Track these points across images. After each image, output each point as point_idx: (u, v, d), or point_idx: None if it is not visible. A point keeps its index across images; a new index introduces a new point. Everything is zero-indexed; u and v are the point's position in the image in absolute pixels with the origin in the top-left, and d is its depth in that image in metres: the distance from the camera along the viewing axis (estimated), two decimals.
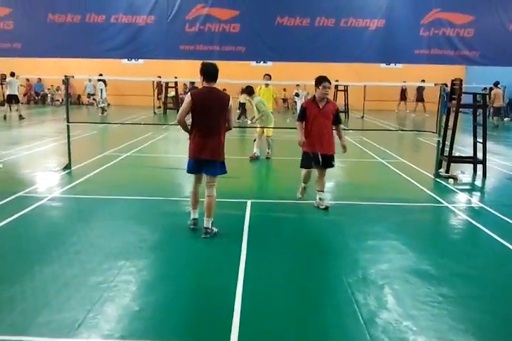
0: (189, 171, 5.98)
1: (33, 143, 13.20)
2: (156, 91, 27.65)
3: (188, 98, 5.60)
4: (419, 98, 27.68)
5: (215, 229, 5.87)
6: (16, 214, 6.45)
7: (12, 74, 20.14)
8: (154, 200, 7.40)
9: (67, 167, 9.56)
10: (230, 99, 5.76)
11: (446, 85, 9.61)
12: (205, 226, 5.82)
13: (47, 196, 7.50)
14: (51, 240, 5.57)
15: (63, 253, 5.17)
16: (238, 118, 20.72)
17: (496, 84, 21.75)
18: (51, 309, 3.93)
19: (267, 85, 12.80)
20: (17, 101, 20.49)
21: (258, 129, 11.78)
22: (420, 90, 27.48)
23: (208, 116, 5.61)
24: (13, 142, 13.57)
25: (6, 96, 20.42)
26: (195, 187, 6.02)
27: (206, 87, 5.68)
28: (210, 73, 5.63)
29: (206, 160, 5.71)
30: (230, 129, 6.05)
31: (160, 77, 23.41)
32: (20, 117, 20.18)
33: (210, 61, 5.88)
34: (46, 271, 4.69)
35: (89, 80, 27.66)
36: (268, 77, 12.79)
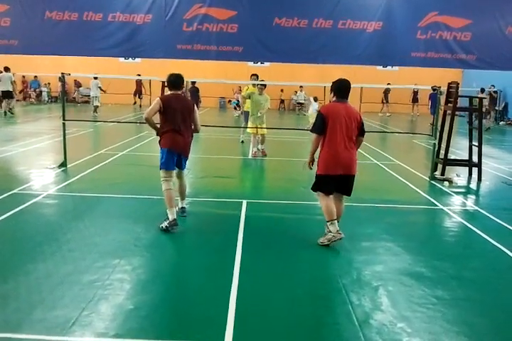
0: (168, 167, 6.16)
1: (29, 141, 13.15)
2: (134, 89, 27.72)
3: (157, 100, 6.09)
4: (386, 100, 29.04)
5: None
6: (10, 212, 6.43)
7: (6, 70, 19.91)
8: (149, 199, 7.38)
9: (63, 165, 9.54)
10: (195, 105, 6.42)
11: (439, 88, 9.63)
12: (183, 206, 6.65)
13: (42, 193, 7.48)
14: (45, 237, 5.54)
15: (57, 250, 5.15)
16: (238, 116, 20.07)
17: (482, 90, 22.43)
18: (45, 307, 3.91)
19: (254, 85, 12.85)
20: (11, 96, 20.34)
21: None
22: (386, 92, 28.70)
23: (177, 117, 6.09)
24: (8, 139, 13.51)
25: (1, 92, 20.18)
26: (170, 184, 6.17)
27: (173, 93, 6.28)
28: (173, 84, 6.27)
29: (182, 154, 6.29)
30: (198, 132, 6.54)
31: (139, 75, 23.40)
32: (10, 112, 20.19)
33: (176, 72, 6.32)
34: (40, 269, 4.67)
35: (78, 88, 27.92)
36: (255, 77, 12.83)
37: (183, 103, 6.25)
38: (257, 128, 11.80)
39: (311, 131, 5.68)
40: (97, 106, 22.06)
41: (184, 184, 6.64)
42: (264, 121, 12.05)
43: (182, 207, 6.65)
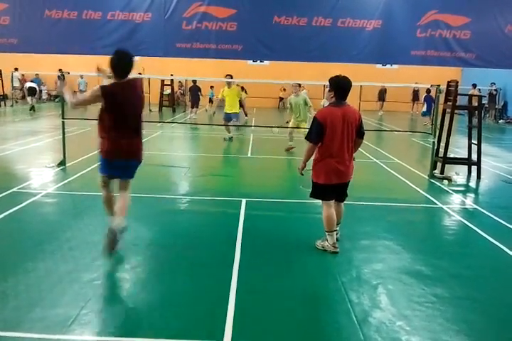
0: (104, 172, 5.16)
1: (28, 139, 13.15)
2: None
3: (96, 89, 4.71)
4: (381, 98, 29.44)
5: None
6: (9, 210, 6.43)
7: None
8: (149, 197, 7.38)
9: (62, 163, 9.54)
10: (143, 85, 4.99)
11: (438, 86, 9.64)
12: (123, 226, 4.96)
13: (41, 192, 7.47)
14: (45, 236, 5.55)
15: (57, 249, 5.15)
16: (246, 115, 18.96)
17: (474, 86, 22.62)
18: (44, 305, 3.91)
19: (229, 86, 12.80)
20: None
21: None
22: (382, 91, 29.17)
23: (124, 115, 4.86)
24: (7, 137, 13.51)
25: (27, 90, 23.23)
26: (109, 190, 5.29)
27: (118, 82, 4.82)
28: (121, 68, 4.82)
29: (124, 162, 5.07)
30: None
31: (141, 73, 23.44)
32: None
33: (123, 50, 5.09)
34: (40, 267, 4.67)
35: (81, 77, 28.16)
36: (229, 77, 12.81)
37: (134, 94, 4.90)
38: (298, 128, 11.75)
39: (307, 139, 5.25)
40: None
41: (127, 198, 5.28)
42: (306, 121, 11.78)
43: (123, 227, 4.98)
